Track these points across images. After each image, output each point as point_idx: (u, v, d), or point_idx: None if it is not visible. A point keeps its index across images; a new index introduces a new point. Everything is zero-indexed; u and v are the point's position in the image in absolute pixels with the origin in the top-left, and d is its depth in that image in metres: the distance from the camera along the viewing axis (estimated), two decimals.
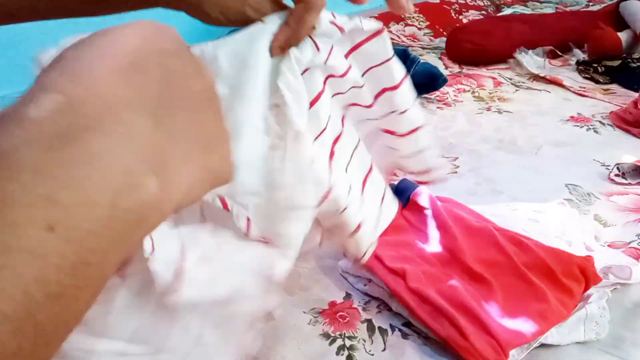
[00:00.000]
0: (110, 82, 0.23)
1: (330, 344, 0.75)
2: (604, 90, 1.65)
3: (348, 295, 0.84)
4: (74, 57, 0.24)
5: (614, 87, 1.67)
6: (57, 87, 0.22)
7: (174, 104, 0.26)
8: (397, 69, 0.55)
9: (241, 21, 0.47)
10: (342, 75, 0.51)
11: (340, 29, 0.49)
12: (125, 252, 0.24)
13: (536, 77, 1.73)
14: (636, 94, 1.51)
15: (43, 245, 0.19)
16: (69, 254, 0.19)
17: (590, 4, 2.42)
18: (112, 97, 0.22)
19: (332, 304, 0.82)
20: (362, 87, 0.54)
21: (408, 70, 0.59)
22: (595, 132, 1.41)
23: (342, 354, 0.74)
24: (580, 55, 1.84)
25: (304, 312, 0.80)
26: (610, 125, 1.44)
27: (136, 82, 0.24)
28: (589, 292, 0.83)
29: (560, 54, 1.86)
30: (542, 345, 0.76)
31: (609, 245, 0.96)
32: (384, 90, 0.55)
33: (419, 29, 2.08)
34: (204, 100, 0.29)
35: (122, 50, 0.25)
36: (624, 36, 1.78)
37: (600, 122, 1.46)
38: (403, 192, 0.95)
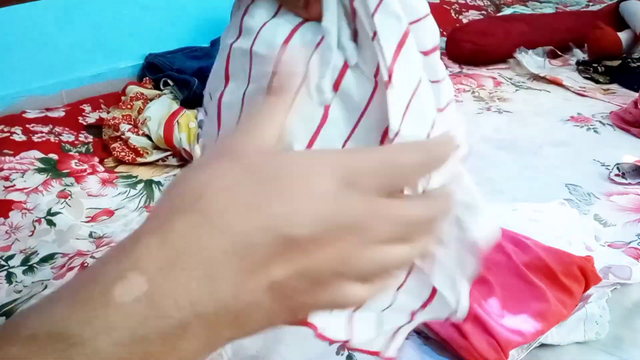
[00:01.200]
0: (188, 280, 0.23)
1: (330, 344, 0.75)
2: (604, 90, 1.65)
3: None
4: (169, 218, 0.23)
5: (614, 87, 1.67)
6: (146, 264, 0.22)
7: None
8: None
9: None
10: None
11: None
12: None
13: (536, 77, 1.73)
14: (636, 94, 1.51)
15: None
16: None
17: (590, 4, 2.42)
18: (186, 299, 0.22)
19: None
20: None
21: None
22: (595, 132, 1.41)
23: (342, 354, 0.74)
24: (580, 55, 1.84)
25: None
26: (610, 125, 1.44)
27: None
28: (589, 292, 0.83)
29: (560, 54, 1.86)
30: (542, 345, 0.76)
31: (609, 245, 0.96)
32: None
33: None
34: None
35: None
36: (624, 36, 1.78)
37: (600, 122, 1.46)
38: None
